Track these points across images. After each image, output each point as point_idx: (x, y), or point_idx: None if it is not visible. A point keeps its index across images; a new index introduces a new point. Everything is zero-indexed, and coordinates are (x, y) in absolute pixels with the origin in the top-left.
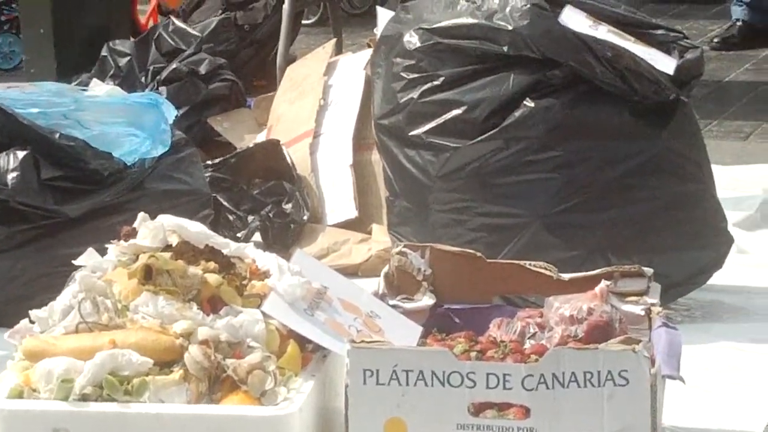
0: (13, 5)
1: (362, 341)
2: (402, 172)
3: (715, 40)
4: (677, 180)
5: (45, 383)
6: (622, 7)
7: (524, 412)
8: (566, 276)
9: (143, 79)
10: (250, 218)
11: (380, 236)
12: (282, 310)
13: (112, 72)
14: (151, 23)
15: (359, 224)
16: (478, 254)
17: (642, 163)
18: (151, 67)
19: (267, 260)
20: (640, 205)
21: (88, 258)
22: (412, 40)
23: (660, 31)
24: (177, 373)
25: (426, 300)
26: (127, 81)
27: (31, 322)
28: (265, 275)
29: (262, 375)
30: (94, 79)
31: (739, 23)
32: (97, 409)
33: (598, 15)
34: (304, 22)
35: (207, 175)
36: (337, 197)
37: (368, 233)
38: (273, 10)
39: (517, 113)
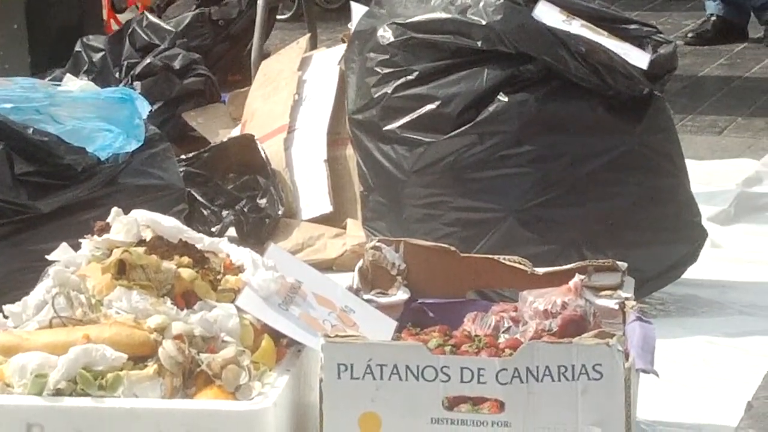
0: None
1: (336, 336)
2: (376, 167)
3: (690, 34)
4: (651, 175)
5: (19, 378)
6: (595, 1)
7: (498, 406)
8: (540, 270)
9: (117, 75)
10: (225, 213)
11: (355, 231)
12: (256, 304)
13: (86, 67)
14: (114, 24)
15: (334, 219)
16: (453, 249)
17: (616, 158)
18: (125, 62)
19: (241, 255)
20: (614, 200)
21: (61, 253)
22: (385, 34)
23: (633, 26)
24: (151, 367)
25: (400, 294)
26: (101, 76)
27: (5, 317)
28: (239, 270)
29: (237, 370)
30: (68, 75)
31: (713, 18)
32: (71, 404)
33: (572, 10)
34: (278, 17)
35: (181, 169)
36: (312, 192)
37: (343, 228)
38: (247, 5)
39: (491, 108)
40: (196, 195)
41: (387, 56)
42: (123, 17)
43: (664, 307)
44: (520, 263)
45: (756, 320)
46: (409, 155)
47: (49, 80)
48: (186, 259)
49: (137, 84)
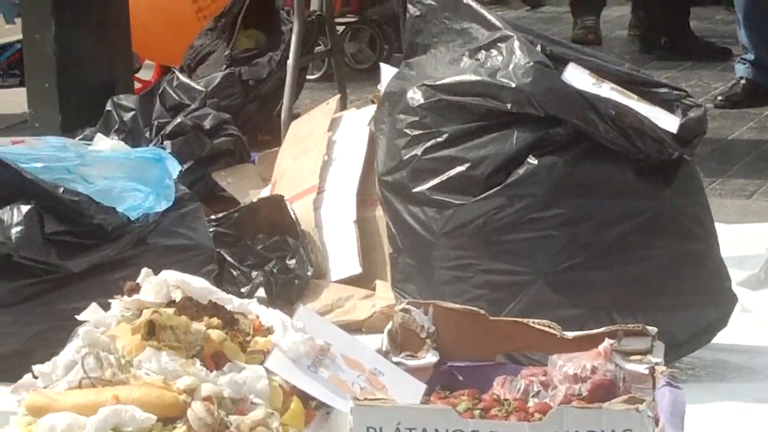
0: None
1: (366, 398)
2: (406, 229)
3: (719, 97)
4: (681, 239)
5: None
6: (625, 64)
7: None
8: (570, 334)
9: (148, 134)
10: (254, 274)
11: (384, 292)
12: (285, 366)
13: (116, 126)
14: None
15: (363, 280)
16: (482, 311)
17: (645, 222)
18: (156, 122)
19: (270, 316)
20: (643, 264)
21: (91, 313)
22: (415, 96)
23: (663, 89)
24: (180, 429)
25: (430, 357)
26: (132, 135)
27: (35, 377)
28: (268, 331)
29: None
30: (99, 134)
31: (743, 81)
32: None
33: (602, 73)
34: (308, 77)
35: (211, 230)
36: (341, 253)
37: (372, 289)
38: (278, 65)
39: (521, 170)
40: (225, 255)
41: (417, 118)
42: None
43: (694, 372)
44: (549, 327)
45: None
46: (438, 217)
47: (79, 139)
48: (215, 321)
49: (168, 143)
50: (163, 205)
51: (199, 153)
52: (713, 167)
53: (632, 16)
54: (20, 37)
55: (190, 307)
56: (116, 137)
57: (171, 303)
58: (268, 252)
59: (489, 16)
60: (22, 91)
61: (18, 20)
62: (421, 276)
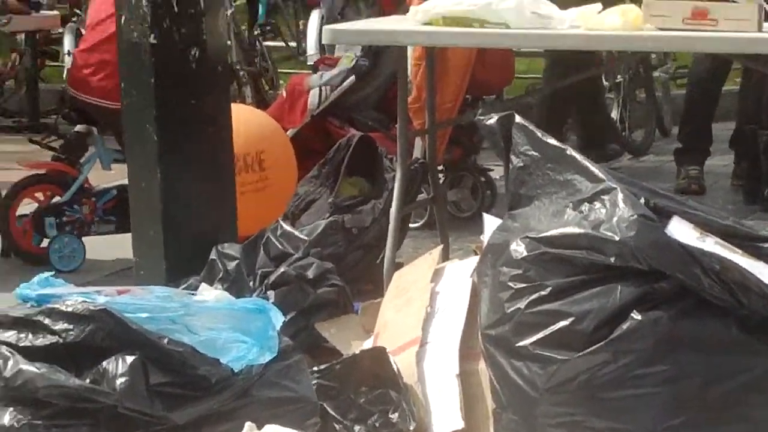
0: (75, 206)
1: None
2: (509, 384)
3: None
4: None
5: None
6: (729, 218)
7: None
8: None
9: (251, 283)
10: (357, 428)
11: None
12: None
13: (220, 275)
14: None
15: None
16: None
17: (752, 379)
18: (259, 271)
19: None
20: (749, 423)
21: None
22: (518, 249)
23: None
24: None
25: None
26: (236, 285)
27: None
28: None
29: None
30: (203, 284)
31: None
32: None
33: (706, 226)
34: (411, 225)
35: (314, 382)
36: (444, 407)
37: None
38: (381, 213)
39: (625, 326)
40: (328, 408)
41: (520, 271)
42: None
43: None
44: None
45: None
46: (542, 372)
47: (184, 288)
48: None
49: (271, 293)
50: (267, 357)
51: (303, 303)
52: None
53: (735, 167)
54: (117, 183)
55: None
56: (220, 286)
57: None
58: (370, 405)
59: (592, 168)
60: (119, 238)
61: (115, 166)
62: None
